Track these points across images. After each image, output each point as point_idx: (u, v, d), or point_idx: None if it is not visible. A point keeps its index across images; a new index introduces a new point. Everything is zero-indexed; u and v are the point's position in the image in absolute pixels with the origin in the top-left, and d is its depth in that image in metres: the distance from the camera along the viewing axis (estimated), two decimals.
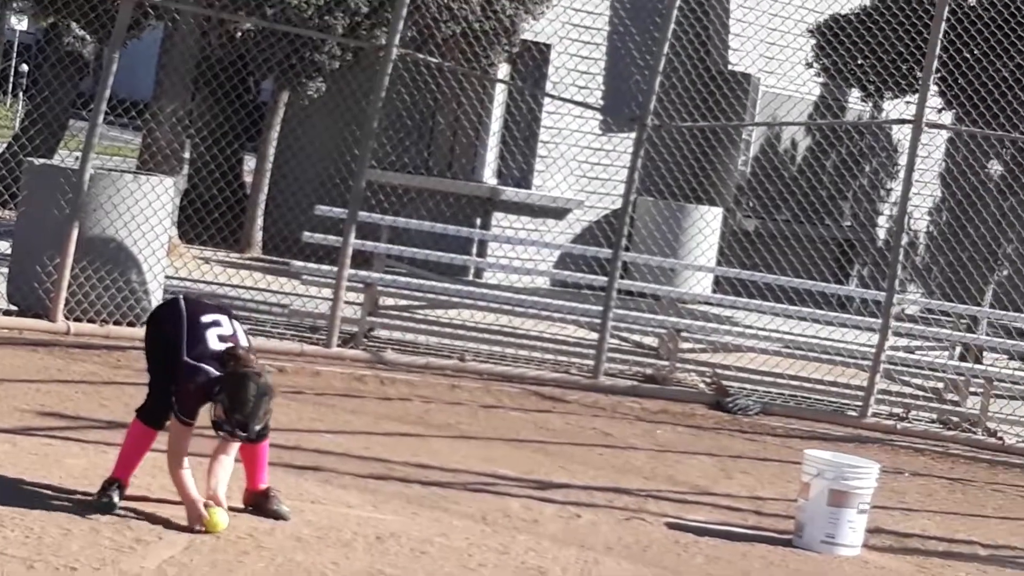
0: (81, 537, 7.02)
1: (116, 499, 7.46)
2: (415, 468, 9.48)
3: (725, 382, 13.57)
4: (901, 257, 13.37)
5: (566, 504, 9.06)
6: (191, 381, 7.40)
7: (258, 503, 7.80)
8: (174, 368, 7.45)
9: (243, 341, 7.56)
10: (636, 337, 14.54)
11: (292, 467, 9.05)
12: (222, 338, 7.48)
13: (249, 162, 20.79)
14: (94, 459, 8.58)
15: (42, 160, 14.61)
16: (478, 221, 19.11)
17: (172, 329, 7.50)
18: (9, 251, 13.25)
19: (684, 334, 13.99)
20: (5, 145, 21.99)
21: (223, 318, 7.61)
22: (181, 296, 7.79)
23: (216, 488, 7.51)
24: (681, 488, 10.00)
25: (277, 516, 7.72)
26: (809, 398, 13.80)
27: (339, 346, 13.22)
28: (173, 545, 7.10)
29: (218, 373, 7.35)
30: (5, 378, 10.50)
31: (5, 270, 13.17)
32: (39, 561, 6.60)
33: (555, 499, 9.18)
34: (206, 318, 7.55)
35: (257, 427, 7.47)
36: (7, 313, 12.59)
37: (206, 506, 7.40)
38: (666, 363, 13.85)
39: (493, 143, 19.45)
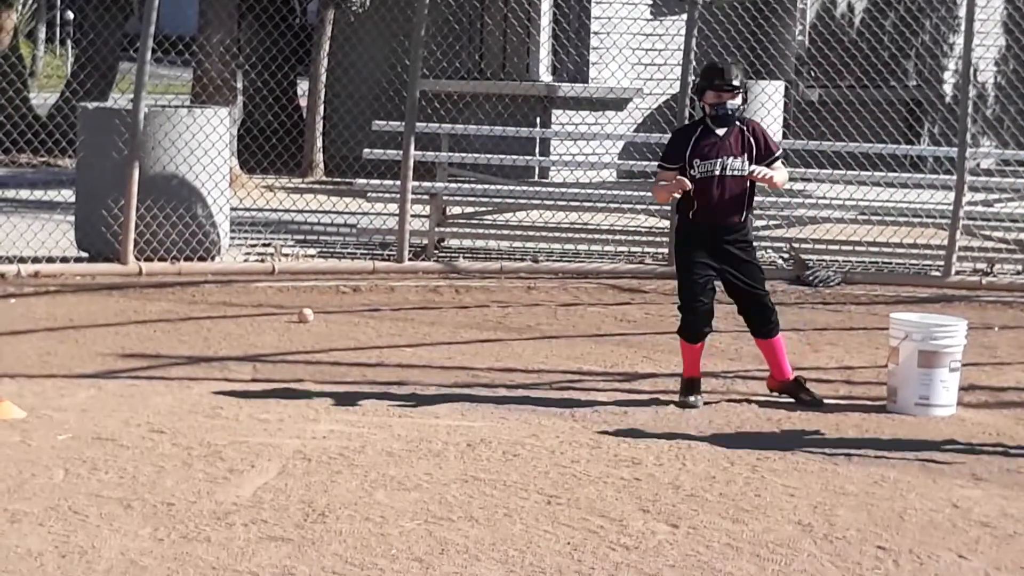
0: (174, 473, 7.03)
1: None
2: (500, 373, 9.44)
3: (803, 255, 13.41)
4: (970, 110, 13.11)
5: (654, 393, 9.00)
6: None
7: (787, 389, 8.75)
8: None
9: None
10: None
11: (377, 383, 9.03)
12: None
13: (302, 85, 20.70)
14: (179, 395, 8.60)
15: (96, 104, 14.58)
16: (537, 120, 18.95)
17: None
18: (73, 199, 13.27)
19: (756, 211, 13.81)
20: (58, 94, 22.02)
21: None
22: None
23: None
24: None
25: (815, 404, 8.63)
26: (890, 263, 13.63)
27: (411, 260, 13.17)
28: (266, 472, 7.09)
29: None
30: (84, 324, 10.54)
31: (72, 218, 13.19)
32: (135, 500, 6.62)
33: (643, 389, 9.12)
34: None
35: (732, 77, 8.42)
36: (78, 260, 12.62)
37: None
38: None
39: (545, 39, 19.23)
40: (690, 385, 8.69)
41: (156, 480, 6.93)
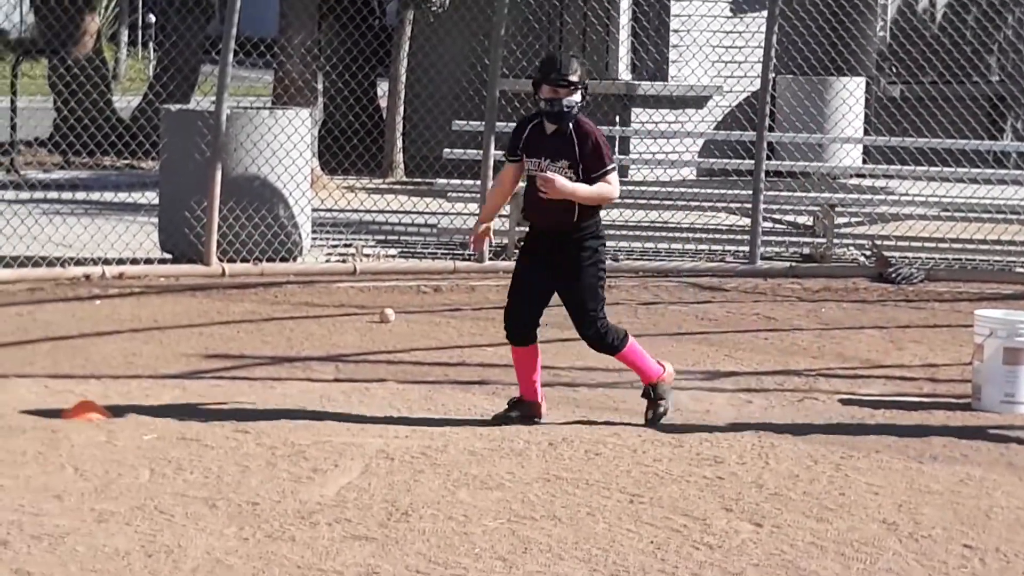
0: (259, 472, 7.08)
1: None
2: (580, 371, 9.43)
3: (885, 252, 13.31)
4: None
5: (736, 392, 8.97)
6: None
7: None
8: None
9: None
10: (790, 217, 14.32)
11: (459, 383, 9.06)
12: None
13: (382, 86, 20.77)
14: (263, 395, 8.65)
15: (178, 106, 14.70)
16: (617, 118, 18.91)
17: None
18: (157, 201, 13.38)
19: (838, 209, 13.73)
20: (141, 96, 22.22)
21: None
22: None
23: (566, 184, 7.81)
24: (851, 364, 9.85)
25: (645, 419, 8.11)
26: (974, 259, 13.50)
27: (491, 259, 13.19)
28: (349, 471, 7.13)
29: None
30: (168, 325, 10.63)
31: (155, 220, 13.31)
32: (220, 499, 6.67)
33: (724, 388, 9.08)
34: None
35: (570, 72, 7.70)
36: (162, 262, 12.73)
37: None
38: (823, 240, 13.62)
39: (624, 37, 19.19)
40: (517, 401, 8.09)
41: (241, 480, 6.98)
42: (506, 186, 8.11)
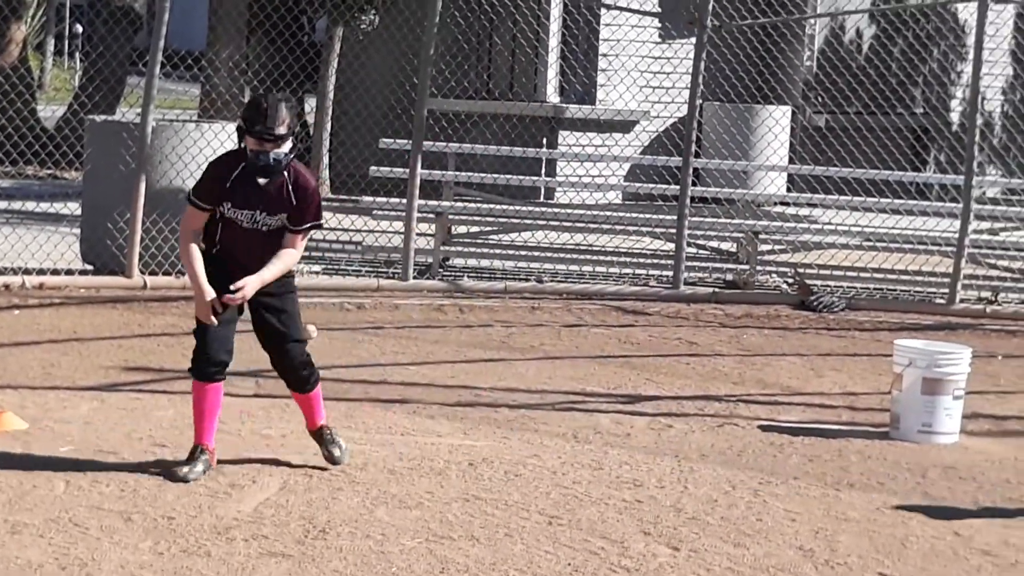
0: (175, 487, 7.02)
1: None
2: (502, 392, 9.43)
3: (808, 281, 13.40)
4: (977, 139, 13.11)
5: (656, 416, 8.99)
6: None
7: (316, 440, 7.49)
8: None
9: None
10: (713, 243, 14.39)
11: (379, 401, 9.03)
12: None
13: (309, 102, 20.72)
14: (181, 409, 8.57)
15: (103, 117, 14.60)
16: (544, 140, 18.96)
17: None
18: (79, 211, 13.27)
19: (762, 236, 13.82)
20: (66, 106, 22.05)
21: None
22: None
23: (253, 276, 7.01)
24: (771, 390, 9.90)
25: (330, 458, 7.43)
26: (895, 290, 13.62)
27: (415, 278, 13.17)
28: (267, 488, 7.09)
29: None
30: (87, 336, 10.55)
31: (77, 230, 13.20)
32: (136, 513, 6.61)
33: (645, 411, 9.11)
34: None
35: (277, 124, 6.88)
36: (83, 272, 12.62)
37: None
38: (746, 267, 13.70)
39: (553, 60, 19.26)
40: (193, 451, 7.25)
41: (157, 494, 6.92)
42: (199, 238, 7.19)
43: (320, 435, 7.51)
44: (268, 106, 6.98)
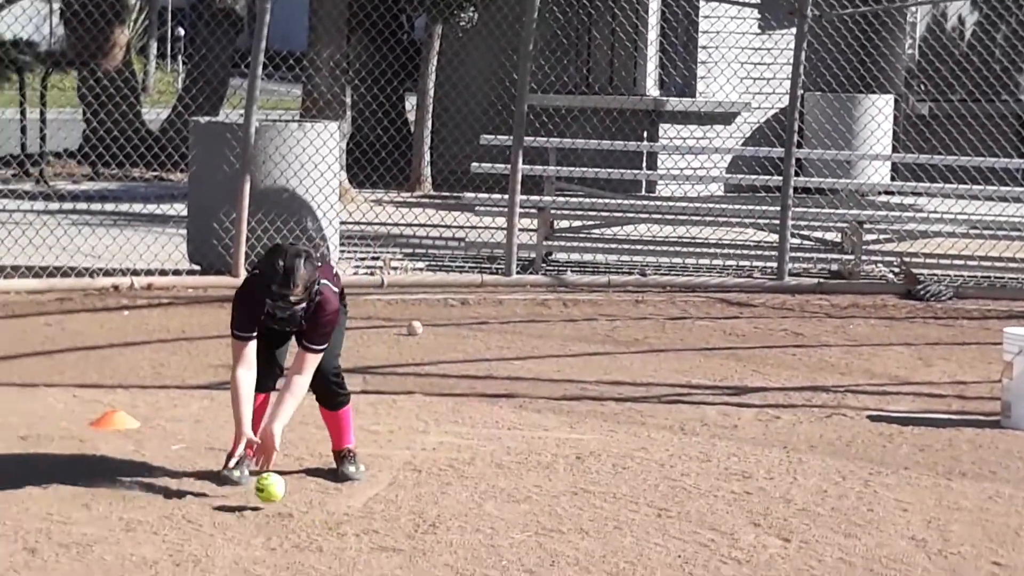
0: (287, 483, 7.07)
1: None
2: (608, 386, 9.42)
3: (914, 270, 13.27)
4: None
5: (764, 407, 8.94)
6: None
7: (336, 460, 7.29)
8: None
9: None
10: (818, 234, 14.28)
11: (486, 396, 9.06)
12: None
13: (410, 100, 20.81)
14: None
15: (207, 118, 14.75)
16: (644, 134, 18.91)
17: None
18: (185, 212, 13.42)
19: (867, 226, 13.70)
20: (170, 108, 22.30)
21: None
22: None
23: (271, 423, 6.93)
24: (879, 380, 9.82)
25: (343, 478, 7.18)
26: (1003, 277, 13.46)
27: (519, 273, 13.19)
28: (377, 483, 7.13)
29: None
30: (196, 336, 10.65)
31: (183, 231, 13.34)
32: (248, 509, 6.67)
33: (752, 403, 9.06)
34: None
35: (292, 291, 6.72)
36: (190, 273, 12.76)
37: (260, 472, 6.81)
38: (851, 257, 13.59)
39: (652, 53, 19.20)
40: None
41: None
42: (254, 366, 7.03)
43: (341, 456, 7.26)
44: (285, 277, 6.73)
